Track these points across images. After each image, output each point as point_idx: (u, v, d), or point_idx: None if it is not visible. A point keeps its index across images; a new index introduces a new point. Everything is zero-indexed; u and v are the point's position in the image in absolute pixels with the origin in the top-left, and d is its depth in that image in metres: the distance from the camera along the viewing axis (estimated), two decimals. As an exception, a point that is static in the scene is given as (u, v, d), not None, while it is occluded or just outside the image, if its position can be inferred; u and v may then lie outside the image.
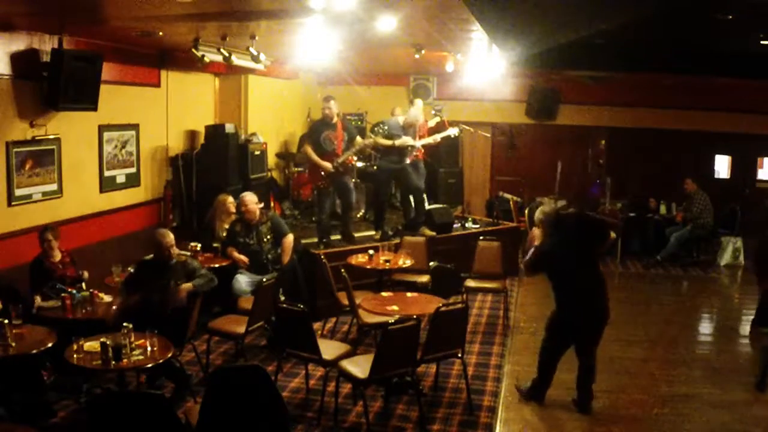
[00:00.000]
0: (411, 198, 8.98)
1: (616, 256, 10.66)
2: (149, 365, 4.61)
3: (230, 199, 7.51)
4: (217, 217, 7.50)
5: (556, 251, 5.30)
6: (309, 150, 8.08)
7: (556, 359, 5.48)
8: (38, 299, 5.44)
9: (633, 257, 10.90)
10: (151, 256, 5.75)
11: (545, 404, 5.52)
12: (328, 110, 7.99)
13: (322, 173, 8.02)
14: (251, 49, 6.54)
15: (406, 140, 8.42)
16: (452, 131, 9.42)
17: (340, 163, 7.99)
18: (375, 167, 8.93)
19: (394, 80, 11.81)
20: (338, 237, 8.42)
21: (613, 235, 5.65)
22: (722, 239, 10.74)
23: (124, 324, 4.61)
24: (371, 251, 7.32)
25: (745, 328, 7.68)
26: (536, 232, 5.47)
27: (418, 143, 9.15)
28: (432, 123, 9.66)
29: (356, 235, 8.95)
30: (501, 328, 7.53)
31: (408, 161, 8.65)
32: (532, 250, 5.46)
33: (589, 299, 5.30)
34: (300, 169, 10.23)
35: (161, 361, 4.61)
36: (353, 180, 9.96)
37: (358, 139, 8.21)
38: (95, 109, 6.44)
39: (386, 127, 8.52)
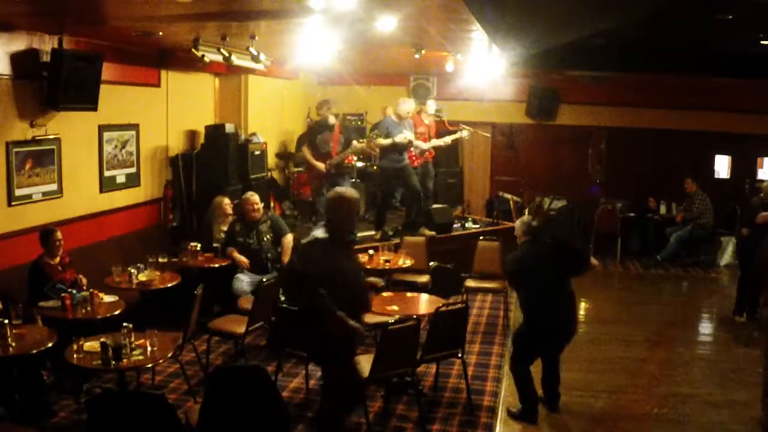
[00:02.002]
0: (412, 198, 9.00)
1: (616, 256, 10.66)
2: (149, 365, 4.61)
3: (226, 200, 7.52)
4: (213, 219, 7.51)
5: (527, 264, 5.24)
6: (305, 150, 8.30)
7: (529, 370, 5.31)
8: (38, 317, 5.29)
9: (633, 257, 10.91)
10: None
11: (545, 404, 5.51)
12: (326, 114, 8.19)
13: (316, 173, 8.21)
14: (251, 49, 6.53)
15: (406, 135, 8.43)
16: (463, 133, 9.46)
17: (333, 164, 8.13)
18: (375, 167, 8.97)
19: (394, 80, 11.80)
20: None
21: (594, 262, 5.59)
22: (722, 239, 10.74)
23: (124, 324, 4.61)
24: (371, 251, 7.32)
25: (746, 329, 7.68)
26: None
27: (428, 145, 9.18)
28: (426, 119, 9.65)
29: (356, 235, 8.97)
30: (501, 328, 7.53)
31: (407, 161, 8.66)
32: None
33: (559, 311, 5.18)
34: (300, 169, 10.25)
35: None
36: (353, 179, 10.02)
37: (354, 143, 8.31)
38: (95, 109, 6.43)
39: (386, 128, 8.50)
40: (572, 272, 5.33)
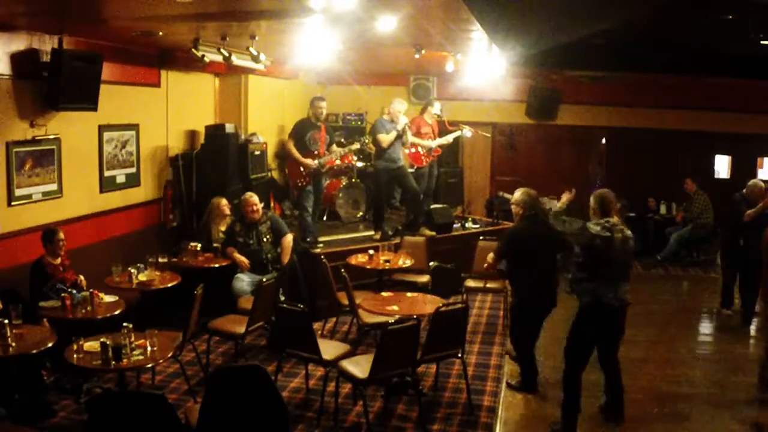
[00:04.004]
0: (411, 199, 9.00)
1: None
2: (149, 365, 4.61)
3: (224, 201, 7.52)
4: (211, 220, 7.51)
5: (527, 237, 5.65)
6: (292, 147, 8.18)
7: (533, 343, 5.85)
8: (45, 319, 5.37)
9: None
10: None
11: (545, 403, 5.52)
12: (321, 110, 8.15)
13: (302, 170, 8.14)
14: (251, 49, 6.53)
15: (402, 121, 8.47)
16: (465, 132, 9.52)
17: (322, 163, 8.12)
18: (372, 168, 8.99)
19: (394, 80, 11.80)
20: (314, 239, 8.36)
21: None
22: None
23: (124, 324, 4.61)
24: (371, 251, 7.32)
25: (746, 328, 7.68)
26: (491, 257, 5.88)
27: (435, 143, 9.24)
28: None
29: (356, 235, 8.99)
30: (501, 328, 7.53)
31: (402, 162, 8.67)
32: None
33: (546, 284, 5.67)
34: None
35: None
36: (353, 179, 10.04)
37: (334, 146, 8.45)
38: (95, 109, 6.43)
39: (384, 128, 8.52)
40: (560, 250, 5.78)
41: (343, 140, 8.81)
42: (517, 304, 5.84)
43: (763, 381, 5.45)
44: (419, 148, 9.22)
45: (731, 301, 8.15)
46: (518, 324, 5.86)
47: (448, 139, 9.50)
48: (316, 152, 8.14)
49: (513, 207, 5.85)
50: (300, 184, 8.22)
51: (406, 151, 8.99)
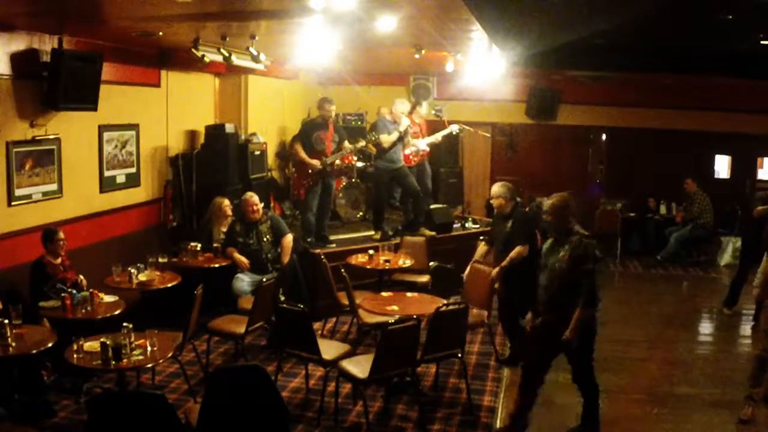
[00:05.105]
0: (412, 198, 8.99)
1: (616, 256, 10.65)
2: (149, 365, 4.61)
3: (226, 201, 7.52)
4: (213, 221, 7.51)
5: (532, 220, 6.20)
6: (298, 148, 8.17)
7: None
8: (45, 319, 5.38)
9: (633, 257, 10.90)
10: None
11: (545, 403, 5.51)
12: (330, 112, 8.12)
13: (310, 171, 8.09)
14: (251, 49, 6.53)
15: (404, 123, 8.45)
16: (453, 128, 9.49)
17: (329, 163, 8.09)
18: (371, 168, 8.97)
19: (394, 80, 11.80)
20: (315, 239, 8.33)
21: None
22: (722, 239, 10.76)
23: (124, 324, 4.61)
24: (371, 251, 7.32)
25: (745, 328, 7.68)
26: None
27: (423, 143, 9.21)
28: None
29: (356, 235, 8.98)
30: (501, 328, 7.52)
31: (402, 163, 8.66)
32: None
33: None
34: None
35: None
36: (353, 179, 10.04)
37: (346, 143, 8.33)
38: (95, 109, 6.43)
39: (386, 128, 8.51)
40: None
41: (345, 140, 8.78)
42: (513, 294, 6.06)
43: (755, 380, 5.43)
44: (408, 150, 9.20)
45: (735, 301, 8.12)
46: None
47: (437, 137, 9.49)
48: (321, 151, 8.11)
49: (496, 200, 6.12)
50: (307, 185, 8.22)
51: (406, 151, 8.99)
